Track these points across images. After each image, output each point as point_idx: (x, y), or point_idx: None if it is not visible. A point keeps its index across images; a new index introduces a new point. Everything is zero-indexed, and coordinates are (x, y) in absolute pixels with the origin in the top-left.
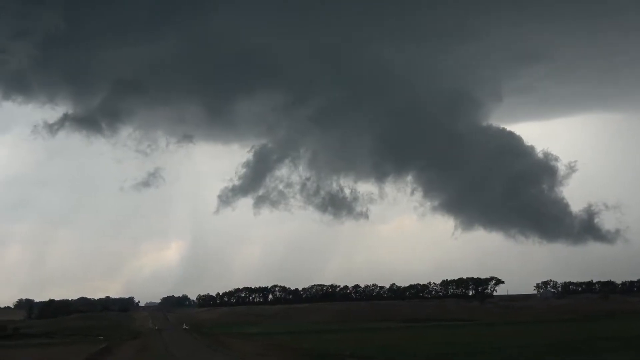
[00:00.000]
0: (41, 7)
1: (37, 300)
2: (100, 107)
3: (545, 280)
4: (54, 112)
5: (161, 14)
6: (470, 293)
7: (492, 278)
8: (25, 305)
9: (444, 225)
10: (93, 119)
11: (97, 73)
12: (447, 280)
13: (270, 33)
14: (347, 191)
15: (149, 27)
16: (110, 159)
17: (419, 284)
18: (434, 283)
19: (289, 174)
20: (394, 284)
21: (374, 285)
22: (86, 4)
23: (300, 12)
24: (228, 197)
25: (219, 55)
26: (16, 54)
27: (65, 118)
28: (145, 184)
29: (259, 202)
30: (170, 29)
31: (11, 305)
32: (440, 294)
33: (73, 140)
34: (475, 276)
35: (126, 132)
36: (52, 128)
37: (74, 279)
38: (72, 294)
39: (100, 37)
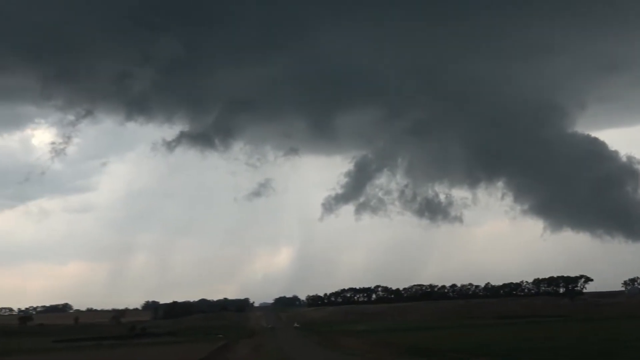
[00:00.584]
0: (165, 35)
1: (162, 302)
2: (214, 124)
3: (633, 277)
4: (171, 130)
5: (272, 38)
6: (561, 291)
7: (581, 276)
8: (151, 307)
9: (534, 227)
10: (207, 136)
11: (212, 93)
12: (538, 278)
13: (370, 53)
14: (442, 197)
15: (261, 50)
16: (223, 172)
17: (512, 283)
18: (526, 282)
19: (388, 182)
20: (488, 283)
21: (470, 284)
22: (205, 32)
23: (399, 33)
24: (331, 204)
25: (323, 74)
26: (141, 78)
27: (181, 135)
28: (257, 194)
29: (360, 208)
30: (280, 51)
31: (139, 307)
32: (532, 292)
33: (189, 156)
34: (565, 275)
35: (238, 147)
36: (170, 145)
37: (194, 282)
38: (193, 296)
39: (216, 61)
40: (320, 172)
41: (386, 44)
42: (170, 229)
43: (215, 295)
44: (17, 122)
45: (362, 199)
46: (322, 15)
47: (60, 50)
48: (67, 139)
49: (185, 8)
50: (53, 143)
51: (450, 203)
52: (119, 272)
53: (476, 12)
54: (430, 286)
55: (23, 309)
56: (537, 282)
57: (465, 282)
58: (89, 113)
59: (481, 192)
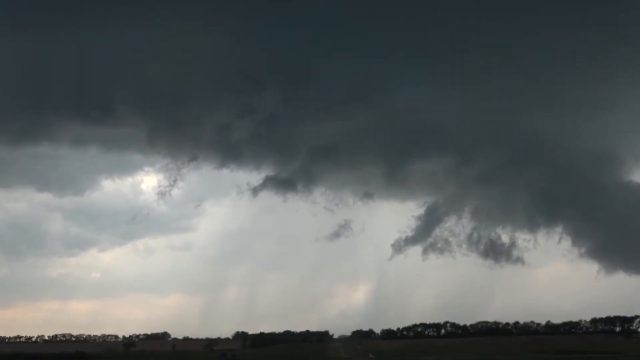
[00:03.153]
0: (265, 89)
1: (250, 332)
2: (298, 171)
3: None
4: (258, 176)
5: (356, 93)
6: (617, 329)
7: (636, 316)
8: (240, 336)
9: (590, 269)
10: (291, 181)
11: (298, 143)
12: (596, 318)
13: (444, 106)
14: (505, 240)
15: (345, 104)
16: (305, 214)
17: (571, 321)
18: (585, 320)
19: (454, 225)
20: (549, 320)
21: (532, 322)
22: (299, 87)
23: (471, 88)
24: (400, 245)
25: (399, 126)
26: (238, 129)
27: (267, 181)
28: (336, 234)
29: (427, 249)
30: (362, 105)
31: (230, 337)
32: (590, 330)
33: (274, 200)
34: (621, 315)
35: (319, 192)
36: (257, 190)
37: (280, 314)
38: (278, 327)
39: (305, 113)
40: (393, 215)
41: (459, 98)
42: (258, 266)
43: (298, 327)
44: (127, 168)
45: (429, 241)
46: (402, 72)
47: (167, 102)
48: (171, 184)
49: (284, 65)
50: (158, 187)
51: (513, 245)
52: (213, 304)
53: (544, 70)
54: (495, 323)
55: (127, 336)
56: (595, 321)
57: (528, 320)
58: (191, 161)
59: (541, 236)
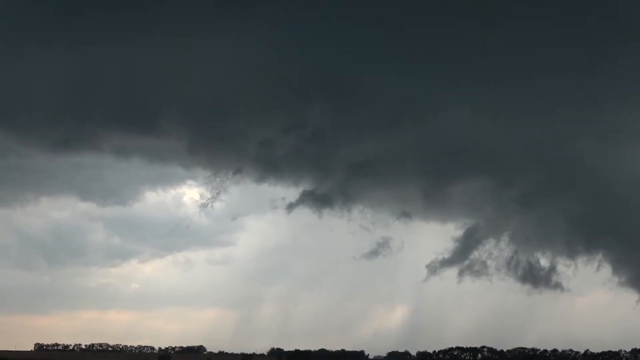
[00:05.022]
0: (313, 106)
1: (285, 349)
2: (336, 188)
3: None
4: (297, 192)
5: (398, 113)
6: None
7: None
8: (276, 353)
9: (630, 298)
10: (328, 198)
11: (338, 160)
12: (636, 348)
13: (485, 127)
14: (544, 264)
15: (387, 123)
16: (343, 232)
17: (610, 351)
18: (625, 350)
19: (492, 248)
20: (587, 350)
21: (570, 350)
22: (344, 105)
23: (514, 110)
24: (436, 267)
25: (439, 146)
26: (281, 144)
27: (305, 197)
28: (374, 253)
29: (463, 272)
30: (403, 125)
31: (265, 353)
32: None
33: (313, 217)
34: None
35: (357, 210)
36: (295, 206)
37: (315, 332)
38: (313, 345)
39: (348, 131)
40: (431, 236)
41: (501, 120)
42: (294, 283)
43: (333, 346)
44: (170, 180)
45: (466, 263)
46: (446, 93)
47: (211, 115)
48: (214, 197)
49: (329, 82)
50: (200, 200)
51: (552, 271)
52: (249, 319)
53: (587, 94)
54: (533, 349)
55: (163, 348)
56: (635, 351)
57: (566, 348)
58: (235, 174)
59: (581, 262)
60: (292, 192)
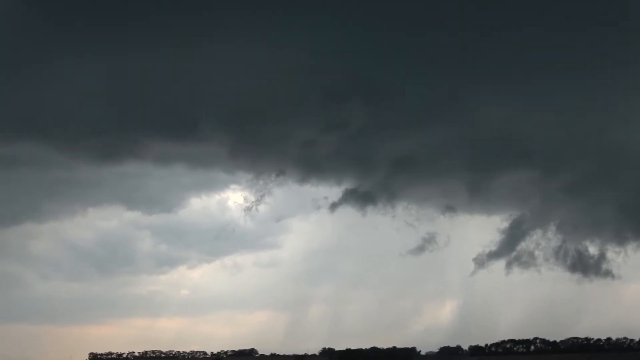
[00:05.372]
0: (351, 105)
1: (337, 348)
2: (379, 185)
3: None
4: (339, 191)
5: (438, 106)
6: None
7: None
8: (327, 353)
9: None
10: (372, 196)
11: (380, 157)
12: None
13: (527, 116)
14: (592, 253)
15: (427, 117)
16: (387, 229)
17: None
18: None
19: (540, 239)
20: None
21: (625, 338)
22: (383, 102)
23: (554, 98)
24: (483, 260)
25: (482, 138)
26: (323, 144)
27: (348, 196)
28: (420, 249)
29: (511, 264)
30: (444, 118)
31: (317, 353)
32: None
33: (355, 215)
34: None
35: (401, 206)
36: (338, 205)
37: (366, 331)
38: (364, 344)
39: (388, 128)
40: (477, 229)
41: (544, 109)
42: (343, 282)
43: (384, 344)
44: (213, 185)
45: (513, 255)
46: (486, 84)
47: (252, 119)
48: (258, 200)
49: (368, 80)
50: (244, 204)
51: (601, 259)
52: (299, 320)
53: (632, 79)
54: (587, 339)
55: (215, 352)
56: None
57: (620, 336)
58: (278, 175)
59: (631, 249)
60: (334, 192)
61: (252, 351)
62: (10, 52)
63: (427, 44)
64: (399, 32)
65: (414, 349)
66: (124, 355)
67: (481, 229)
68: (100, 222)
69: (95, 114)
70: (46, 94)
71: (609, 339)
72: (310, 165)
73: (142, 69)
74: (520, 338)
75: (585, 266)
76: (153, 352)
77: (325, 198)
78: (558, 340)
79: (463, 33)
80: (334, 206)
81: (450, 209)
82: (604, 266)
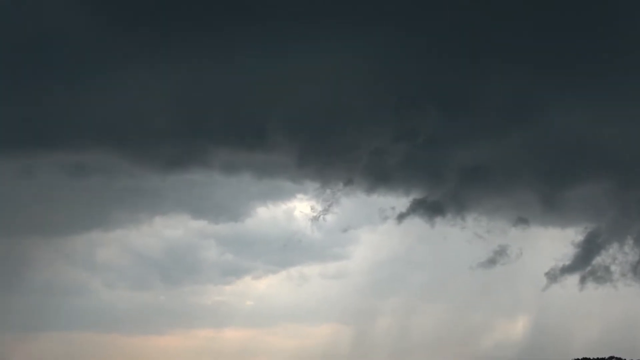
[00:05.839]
0: (423, 113)
1: None
2: (448, 195)
3: None
4: (406, 200)
5: (511, 114)
6: None
7: None
8: None
9: None
10: (439, 205)
11: (450, 166)
12: None
13: (603, 123)
14: None
15: (500, 124)
16: (456, 240)
17: None
18: None
19: (616, 253)
20: None
21: None
22: (451, 108)
23: (631, 105)
24: (556, 274)
25: (556, 146)
26: (391, 152)
27: (417, 206)
28: (492, 261)
29: (585, 279)
30: (516, 126)
31: None
32: None
33: (423, 226)
34: None
35: (471, 217)
36: (402, 215)
37: (432, 345)
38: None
39: (460, 137)
40: (550, 242)
41: (621, 116)
42: (410, 295)
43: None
44: (280, 194)
45: (588, 269)
46: (560, 90)
47: (320, 127)
48: (325, 209)
49: (439, 86)
50: (311, 213)
51: None
52: (366, 333)
53: None
54: None
55: None
56: None
57: None
58: (344, 187)
59: None
60: (402, 202)
61: None
62: (81, 59)
63: (501, 48)
64: (472, 36)
65: None
66: None
67: (555, 242)
68: (166, 231)
69: (163, 123)
70: (113, 103)
71: None
72: (379, 174)
73: (213, 77)
74: (595, 357)
75: None
76: None
77: (393, 208)
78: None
79: (536, 36)
80: (401, 217)
81: (522, 220)
82: None
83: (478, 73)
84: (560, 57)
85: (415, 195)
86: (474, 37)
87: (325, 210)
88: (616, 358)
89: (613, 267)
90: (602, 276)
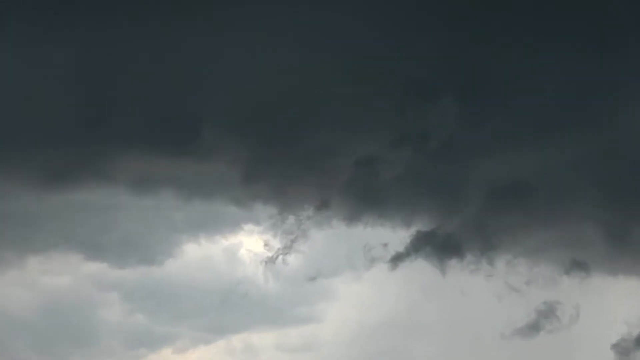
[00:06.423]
0: (431, 108)
1: None
2: (466, 227)
3: None
4: (406, 234)
5: (560, 112)
6: None
7: None
8: None
9: None
10: (456, 242)
11: (471, 185)
12: None
13: None
14: None
15: (544, 128)
16: (481, 296)
17: None
18: None
19: None
20: None
21: None
22: (473, 103)
23: None
24: (629, 348)
25: (626, 159)
26: (387, 164)
27: (416, 240)
28: (534, 327)
29: None
30: (568, 130)
31: None
32: None
33: (429, 273)
34: None
35: (501, 260)
36: (400, 257)
37: None
38: None
39: (488, 142)
40: (621, 298)
41: None
42: None
43: None
44: (219, 224)
45: None
46: (629, 84)
47: (281, 126)
48: (284, 249)
49: (455, 73)
50: (264, 253)
51: None
52: None
53: None
54: None
55: None
56: None
57: None
58: (315, 213)
59: None
60: (400, 236)
61: None
62: None
63: (545, 24)
64: (504, 8)
65: None
66: None
67: (628, 299)
68: (43, 278)
69: (42, 119)
70: None
71: None
72: (366, 195)
73: (117, 54)
74: None
75: None
76: None
77: (385, 245)
78: None
79: (593, 15)
80: (398, 258)
81: (579, 266)
82: None
83: (516, 53)
84: (628, 42)
85: (420, 226)
86: (511, 9)
87: (286, 249)
88: None
89: None
90: None
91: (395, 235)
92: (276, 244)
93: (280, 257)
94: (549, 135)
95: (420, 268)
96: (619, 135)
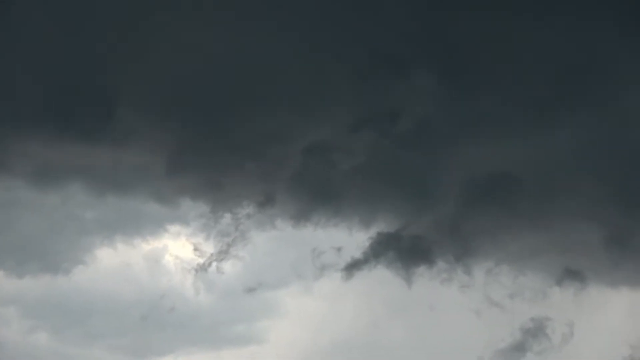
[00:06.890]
0: (401, 83)
1: None
2: (441, 228)
3: None
4: (364, 237)
5: (558, 90)
6: None
7: None
8: None
9: None
10: (425, 247)
11: (445, 177)
12: None
13: None
14: None
15: (538, 108)
16: (457, 312)
17: None
18: None
19: None
20: None
21: None
22: (452, 78)
23: None
24: None
25: (631, 147)
26: (345, 152)
27: (376, 244)
28: (518, 348)
29: None
30: (566, 111)
31: None
32: None
33: (392, 284)
34: None
35: (481, 268)
36: (357, 265)
37: None
38: None
39: (463, 124)
40: (623, 313)
41: None
42: None
43: None
44: (139, 224)
45: None
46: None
47: (213, 106)
48: (218, 254)
49: (443, 44)
50: (194, 259)
51: None
52: None
53: None
54: None
55: None
56: None
57: None
58: (256, 211)
59: None
60: (357, 238)
61: None
62: None
63: None
64: None
65: None
66: None
67: (631, 314)
68: None
69: None
70: None
71: None
72: (317, 189)
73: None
74: None
75: None
76: None
77: (339, 250)
78: None
79: None
80: (354, 266)
81: (573, 275)
82: None
83: (507, 20)
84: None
85: (382, 226)
86: None
87: (221, 254)
88: None
89: None
90: None
91: (352, 238)
92: (208, 248)
93: (214, 264)
94: (541, 118)
95: (381, 277)
96: (622, 120)
